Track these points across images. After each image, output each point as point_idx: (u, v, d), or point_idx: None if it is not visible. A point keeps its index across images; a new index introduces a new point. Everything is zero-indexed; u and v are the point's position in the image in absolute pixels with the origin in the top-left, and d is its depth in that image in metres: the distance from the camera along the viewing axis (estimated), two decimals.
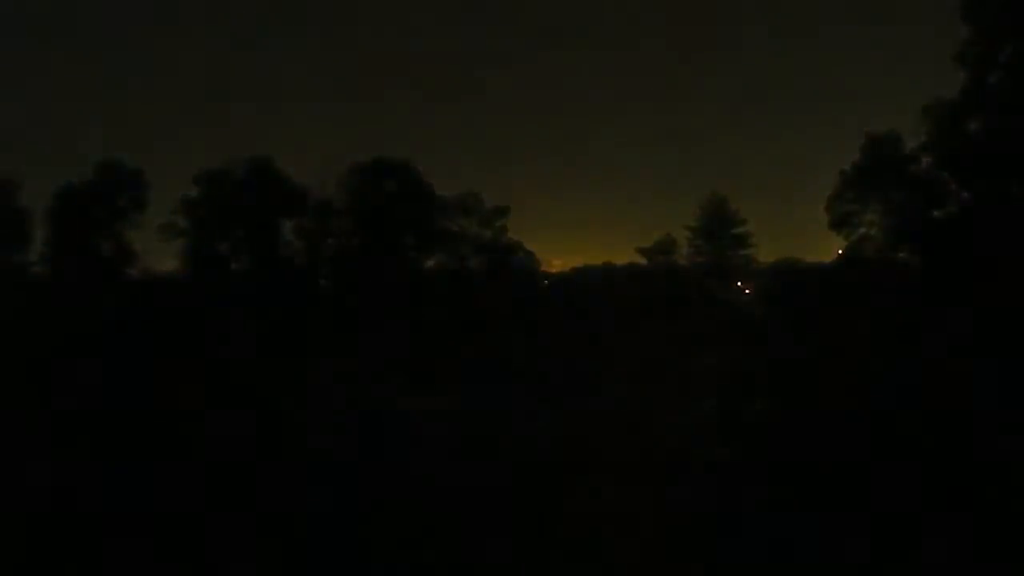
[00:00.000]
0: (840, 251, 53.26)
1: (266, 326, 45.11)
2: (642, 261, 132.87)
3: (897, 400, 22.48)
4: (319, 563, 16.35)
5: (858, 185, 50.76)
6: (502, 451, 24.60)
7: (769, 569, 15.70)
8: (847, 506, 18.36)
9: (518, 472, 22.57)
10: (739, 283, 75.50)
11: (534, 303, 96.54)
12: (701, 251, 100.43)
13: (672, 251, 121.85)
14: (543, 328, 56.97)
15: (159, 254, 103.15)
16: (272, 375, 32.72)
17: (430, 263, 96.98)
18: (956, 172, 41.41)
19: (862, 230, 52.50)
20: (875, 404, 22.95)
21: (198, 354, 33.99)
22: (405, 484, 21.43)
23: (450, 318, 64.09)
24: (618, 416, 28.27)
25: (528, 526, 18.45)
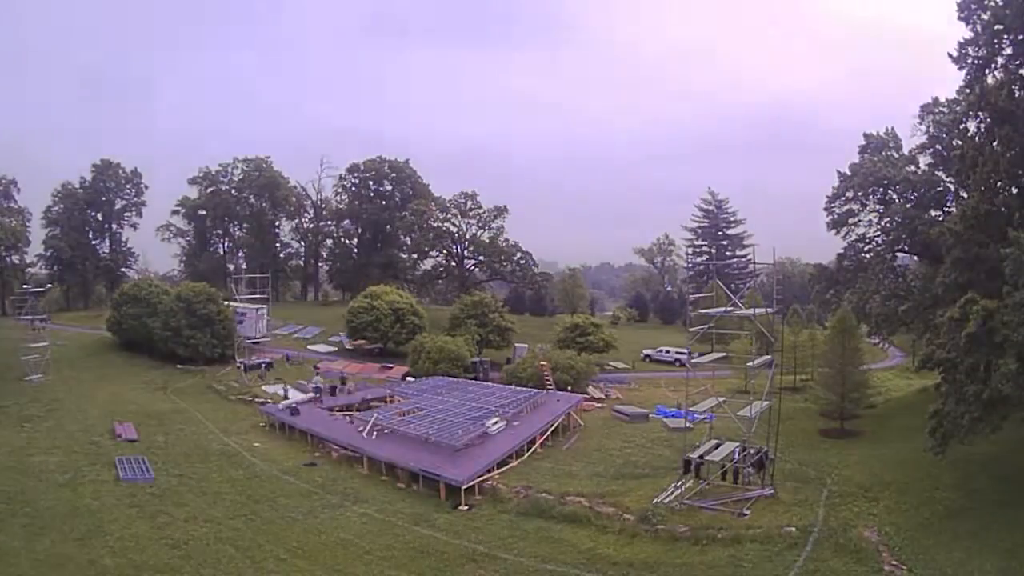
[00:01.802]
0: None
1: None
2: (640, 261, 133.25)
3: None
4: None
5: (856, 186, 50.73)
6: None
7: None
8: None
9: None
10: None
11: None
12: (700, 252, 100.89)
13: (670, 252, 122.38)
14: None
15: (158, 254, 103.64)
16: None
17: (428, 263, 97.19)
18: (954, 172, 41.43)
19: (860, 230, 52.46)
20: None
21: None
22: None
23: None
24: None
25: None
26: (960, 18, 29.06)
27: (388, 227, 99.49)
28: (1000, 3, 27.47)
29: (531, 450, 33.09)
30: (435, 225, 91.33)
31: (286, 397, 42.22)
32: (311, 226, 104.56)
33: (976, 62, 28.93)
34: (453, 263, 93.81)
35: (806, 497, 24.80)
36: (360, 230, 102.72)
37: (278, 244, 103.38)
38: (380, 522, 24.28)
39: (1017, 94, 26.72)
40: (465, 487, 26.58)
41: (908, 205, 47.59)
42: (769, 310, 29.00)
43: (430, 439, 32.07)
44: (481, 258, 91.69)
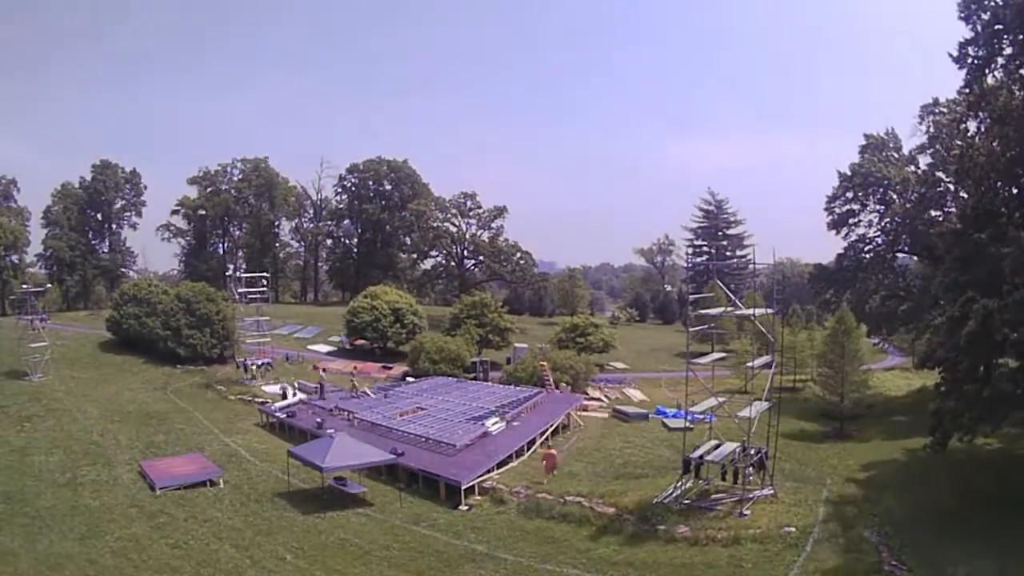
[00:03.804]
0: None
1: None
2: (640, 262, 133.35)
3: None
4: None
5: (856, 186, 50.77)
6: None
7: None
8: None
9: None
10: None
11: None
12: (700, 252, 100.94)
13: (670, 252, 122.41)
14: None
15: (158, 254, 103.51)
16: None
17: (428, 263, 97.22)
18: (954, 172, 41.47)
19: (860, 230, 52.51)
20: None
21: None
22: None
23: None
24: None
25: None
26: (960, 18, 29.04)
27: (388, 227, 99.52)
28: (1000, 3, 27.44)
29: (531, 450, 33.09)
30: (435, 225, 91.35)
31: (284, 397, 42.14)
32: (311, 226, 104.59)
33: (976, 62, 28.91)
34: (453, 263, 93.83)
35: (806, 497, 24.78)
36: (360, 230, 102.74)
37: (278, 244, 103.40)
38: (380, 522, 24.27)
39: (1017, 94, 26.71)
40: (465, 487, 26.57)
41: (908, 205, 47.64)
42: (769, 310, 28.96)
43: (430, 439, 32.06)
44: (481, 258, 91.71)
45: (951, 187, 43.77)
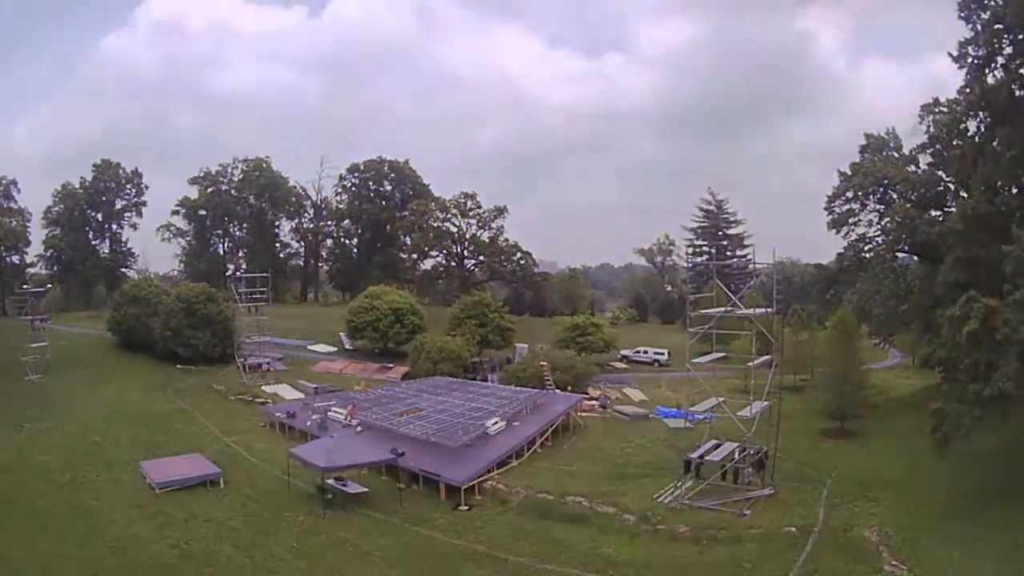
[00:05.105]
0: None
1: None
2: (641, 262, 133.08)
3: None
4: None
5: (857, 185, 50.64)
6: None
7: None
8: None
9: None
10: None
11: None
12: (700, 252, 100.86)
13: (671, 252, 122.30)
14: None
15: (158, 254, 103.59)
16: None
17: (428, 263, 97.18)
18: (954, 172, 41.43)
19: (860, 230, 52.35)
20: None
21: None
22: None
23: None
24: None
25: None
26: (960, 18, 29.02)
27: (388, 227, 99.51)
28: (1000, 3, 27.44)
29: (531, 450, 33.08)
30: (435, 225, 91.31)
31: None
32: (311, 226, 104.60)
33: (976, 62, 28.89)
34: (453, 263, 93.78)
35: (806, 497, 24.80)
36: (360, 230, 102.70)
37: (278, 244, 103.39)
38: (380, 522, 24.26)
39: (1017, 94, 26.72)
40: (465, 487, 26.58)
41: (908, 205, 47.54)
42: (769, 310, 28.98)
43: (430, 439, 32.05)
44: (481, 258, 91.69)
45: (951, 187, 43.70)
